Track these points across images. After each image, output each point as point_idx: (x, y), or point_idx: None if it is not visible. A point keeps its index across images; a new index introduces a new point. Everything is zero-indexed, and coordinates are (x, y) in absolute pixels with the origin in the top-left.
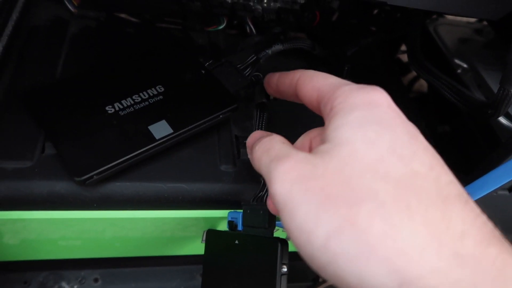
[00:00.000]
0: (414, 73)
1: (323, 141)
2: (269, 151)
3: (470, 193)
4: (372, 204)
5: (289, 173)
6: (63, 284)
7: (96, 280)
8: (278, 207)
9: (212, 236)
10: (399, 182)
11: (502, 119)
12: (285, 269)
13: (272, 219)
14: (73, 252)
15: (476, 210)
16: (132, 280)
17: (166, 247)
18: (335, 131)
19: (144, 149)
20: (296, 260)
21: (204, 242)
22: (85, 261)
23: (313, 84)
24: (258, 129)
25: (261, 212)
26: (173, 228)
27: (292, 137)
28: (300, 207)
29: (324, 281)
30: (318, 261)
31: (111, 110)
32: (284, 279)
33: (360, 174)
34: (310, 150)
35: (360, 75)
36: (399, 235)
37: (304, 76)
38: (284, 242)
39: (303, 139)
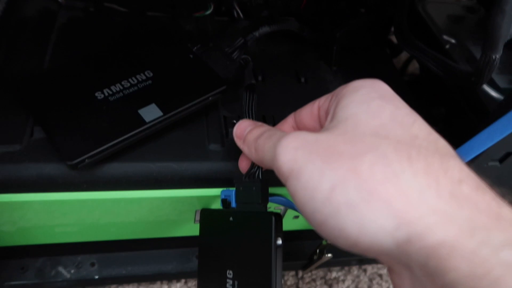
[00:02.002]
0: (406, 55)
1: (331, 118)
2: (271, 137)
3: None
4: (374, 154)
5: (293, 142)
6: (60, 269)
7: (92, 265)
8: (285, 176)
9: (206, 215)
10: (399, 141)
11: (492, 92)
12: (280, 242)
13: (265, 195)
14: (68, 236)
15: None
16: (128, 264)
17: (161, 229)
18: (341, 110)
19: (135, 132)
20: (292, 240)
21: (197, 222)
22: (81, 246)
23: (310, 103)
24: (248, 111)
25: (254, 188)
26: (166, 209)
27: (281, 119)
28: (305, 167)
29: (319, 258)
30: (320, 215)
31: (100, 96)
32: (279, 251)
33: (362, 135)
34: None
35: (350, 57)
36: (399, 180)
37: (323, 99)
38: (278, 216)
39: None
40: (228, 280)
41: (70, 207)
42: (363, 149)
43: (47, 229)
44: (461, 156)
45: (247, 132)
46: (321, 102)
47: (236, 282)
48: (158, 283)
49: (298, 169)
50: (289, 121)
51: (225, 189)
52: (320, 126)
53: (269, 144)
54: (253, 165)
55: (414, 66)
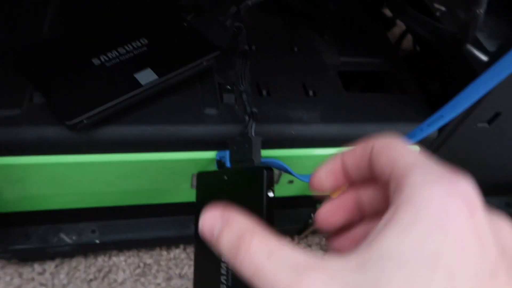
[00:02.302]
0: (399, 31)
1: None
2: (257, 273)
3: (444, 116)
4: None
5: None
6: (62, 235)
7: (93, 231)
8: None
9: (202, 178)
10: None
11: (482, 56)
12: (271, 194)
13: (257, 151)
14: (69, 202)
15: None
16: (128, 231)
17: (160, 194)
18: (376, 261)
19: (131, 94)
20: (287, 207)
21: (195, 187)
22: (82, 213)
23: (389, 156)
24: (241, 76)
25: (246, 146)
26: (164, 172)
27: (274, 85)
28: None
29: (314, 222)
30: None
31: (97, 62)
32: (271, 203)
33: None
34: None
35: (344, 29)
36: None
37: (380, 145)
38: (269, 169)
39: (346, 196)
40: None
41: (70, 169)
42: None
43: (48, 194)
44: (448, 113)
45: (217, 235)
46: (393, 174)
47: None
48: (157, 249)
49: None
50: (366, 154)
51: (220, 151)
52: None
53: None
54: (245, 126)
55: (408, 43)
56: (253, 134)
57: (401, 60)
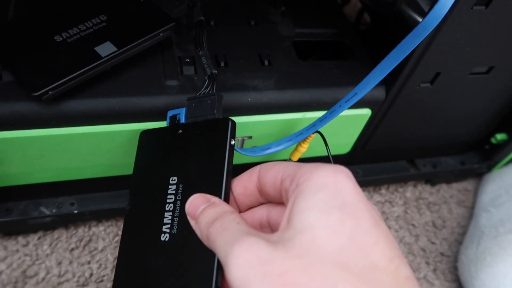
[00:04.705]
0: (356, 6)
1: (286, 223)
2: (223, 232)
3: (377, 75)
4: None
5: (246, 256)
6: (43, 209)
7: (72, 204)
8: None
9: (147, 136)
10: (358, 275)
11: (416, 16)
12: (233, 142)
13: (219, 107)
14: (46, 175)
15: None
16: (105, 202)
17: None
18: (298, 215)
19: (92, 65)
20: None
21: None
22: (60, 187)
23: (278, 167)
24: (199, 45)
25: (209, 101)
26: (131, 143)
27: (232, 56)
28: None
29: None
30: None
31: (59, 39)
32: (232, 151)
33: (320, 264)
34: (269, 223)
35: (299, 3)
36: None
37: (266, 165)
38: (233, 121)
39: (260, 210)
40: (170, 186)
41: (42, 143)
42: (320, 285)
43: (24, 168)
44: (383, 68)
45: (199, 212)
46: (285, 175)
47: (180, 186)
48: None
49: None
50: (253, 177)
51: (171, 110)
52: (280, 198)
53: (220, 242)
54: (206, 86)
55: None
56: (214, 90)
57: (352, 30)
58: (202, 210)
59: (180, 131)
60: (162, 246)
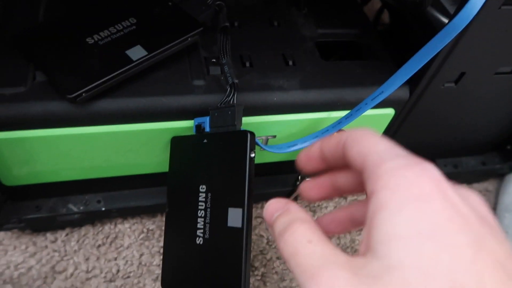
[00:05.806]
0: (378, 4)
1: (367, 248)
2: (296, 258)
3: (403, 74)
4: None
5: (327, 286)
6: (71, 206)
7: (99, 202)
8: None
9: (178, 142)
10: None
11: (442, 17)
12: (253, 155)
13: (239, 118)
14: (75, 173)
15: None
16: (131, 200)
17: (159, 164)
18: (383, 244)
19: (124, 69)
20: (278, 174)
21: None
22: (88, 185)
23: (359, 148)
24: (223, 50)
25: (229, 112)
26: (159, 142)
27: (256, 57)
28: None
29: (301, 183)
30: None
31: (91, 41)
32: (252, 162)
33: None
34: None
35: (321, 5)
36: None
37: (352, 137)
38: (252, 133)
39: (340, 213)
40: (201, 194)
41: (73, 141)
42: None
43: (54, 166)
44: (410, 67)
45: (275, 218)
46: (349, 149)
47: (209, 195)
48: (159, 215)
49: None
50: (315, 149)
51: (198, 117)
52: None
53: (295, 270)
54: (227, 94)
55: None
56: (235, 101)
57: (373, 30)
58: (275, 218)
59: (205, 140)
60: (197, 249)
